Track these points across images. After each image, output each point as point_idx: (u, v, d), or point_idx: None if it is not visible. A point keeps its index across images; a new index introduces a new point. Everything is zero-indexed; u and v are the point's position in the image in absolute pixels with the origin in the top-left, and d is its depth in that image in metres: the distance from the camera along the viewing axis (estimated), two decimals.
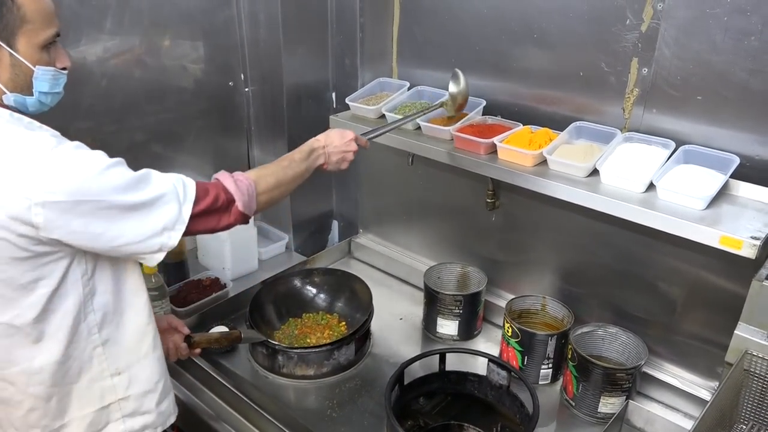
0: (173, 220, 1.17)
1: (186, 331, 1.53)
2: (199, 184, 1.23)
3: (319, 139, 1.53)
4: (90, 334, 1.22)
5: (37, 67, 1.17)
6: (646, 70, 1.50)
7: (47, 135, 1.13)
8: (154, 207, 1.15)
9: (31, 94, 1.19)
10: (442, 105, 1.78)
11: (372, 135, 1.63)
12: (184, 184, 1.21)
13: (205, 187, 1.25)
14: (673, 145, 1.48)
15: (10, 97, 1.16)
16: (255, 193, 1.31)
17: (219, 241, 2.09)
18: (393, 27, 1.98)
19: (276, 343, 1.70)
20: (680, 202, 1.37)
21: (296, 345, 1.76)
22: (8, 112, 1.15)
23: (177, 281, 2.05)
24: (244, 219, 1.31)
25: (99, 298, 1.20)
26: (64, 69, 1.22)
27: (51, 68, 1.19)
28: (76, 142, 1.14)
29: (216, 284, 2.03)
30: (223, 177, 1.30)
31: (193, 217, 1.19)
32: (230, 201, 1.27)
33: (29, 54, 1.16)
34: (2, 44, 1.13)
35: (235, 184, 1.28)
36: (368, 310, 1.79)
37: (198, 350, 1.55)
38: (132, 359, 1.28)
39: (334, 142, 1.54)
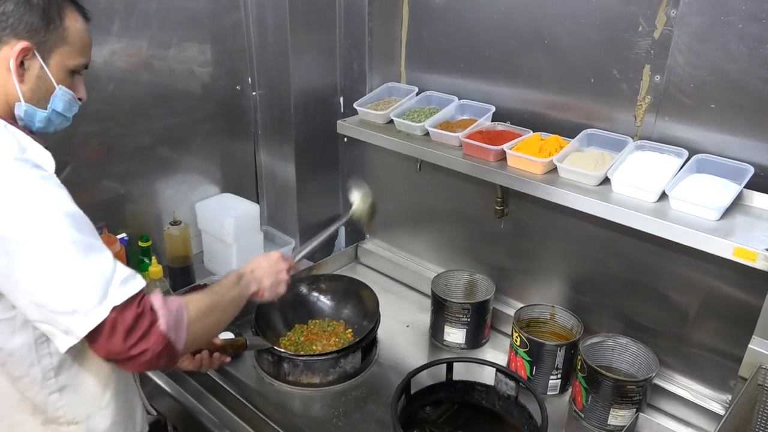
0: (91, 305, 1.04)
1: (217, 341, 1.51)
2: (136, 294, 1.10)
3: (245, 267, 1.43)
4: (45, 378, 1.16)
5: (59, 86, 1.20)
6: (659, 77, 1.48)
7: (18, 163, 1.09)
8: (82, 278, 1.05)
9: (45, 109, 1.20)
10: (351, 217, 1.79)
11: (299, 255, 1.54)
12: (126, 277, 1.08)
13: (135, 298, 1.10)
14: (686, 153, 1.46)
15: (22, 106, 1.18)
16: (186, 320, 1.13)
17: (225, 245, 2.08)
18: (402, 31, 1.97)
19: (282, 350, 1.68)
20: (693, 212, 1.35)
21: (302, 352, 1.75)
22: (3, 123, 1.15)
23: (183, 286, 2.04)
24: (164, 350, 1.08)
25: None
26: (80, 99, 1.25)
27: (71, 92, 1.23)
28: (46, 174, 1.09)
29: None
30: (152, 294, 1.14)
31: (105, 324, 1.05)
32: (152, 321, 1.08)
33: (57, 73, 1.20)
34: (37, 55, 1.16)
35: (163, 300, 1.12)
36: (375, 317, 1.77)
37: (226, 358, 1.51)
38: (92, 409, 1.22)
39: (262, 265, 1.44)
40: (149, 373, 1.71)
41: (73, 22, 1.19)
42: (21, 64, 1.15)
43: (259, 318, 1.77)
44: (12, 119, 1.18)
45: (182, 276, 2.07)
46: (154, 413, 1.51)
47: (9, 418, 1.20)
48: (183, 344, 1.12)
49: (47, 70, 1.18)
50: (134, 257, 2.00)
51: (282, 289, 1.47)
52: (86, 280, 1.05)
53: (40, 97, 1.19)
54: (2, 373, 1.15)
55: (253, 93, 2.22)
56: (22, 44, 1.14)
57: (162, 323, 1.08)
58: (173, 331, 1.09)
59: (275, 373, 1.70)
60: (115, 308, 1.05)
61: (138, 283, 1.10)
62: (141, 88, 1.95)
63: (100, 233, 1.84)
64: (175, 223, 2.02)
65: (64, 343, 1.07)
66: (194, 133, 2.14)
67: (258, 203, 2.25)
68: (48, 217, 1.05)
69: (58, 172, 1.67)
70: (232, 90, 2.18)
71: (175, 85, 2.04)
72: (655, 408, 1.61)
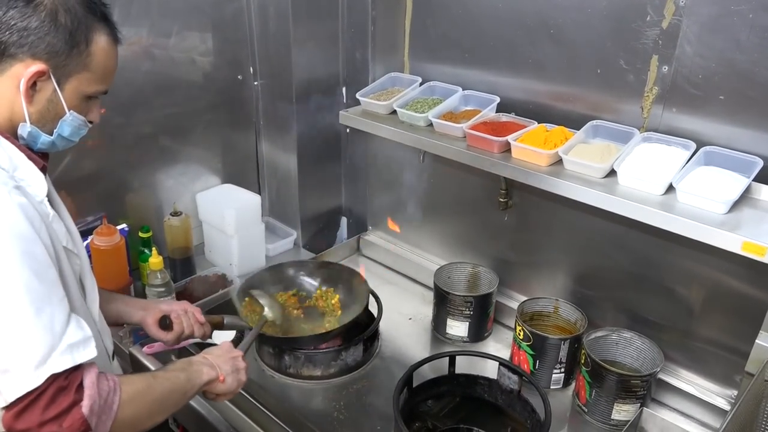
0: (27, 367, 0.96)
1: (201, 318, 1.51)
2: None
3: (197, 355, 1.33)
4: None
5: (70, 111, 1.14)
6: (667, 68, 1.45)
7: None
8: (25, 334, 0.97)
9: (50, 134, 1.15)
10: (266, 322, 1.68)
11: (245, 346, 1.43)
12: (75, 343, 1.01)
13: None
14: (693, 146, 1.44)
15: (26, 128, 1.12)
16: (116, 405, 1.05)
17: (226, 237, 2.06)
18: (405, 21, 1.94)
19: (265, 332, 1.64)
20: (701, 205, 1.33)
21: (289, 328, 1.72)
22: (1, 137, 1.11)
23: (183, 277, 2.03)
24: None
25: None
26: (90, 122, 1.20)
27: (82, 118, 1.16)
28: (23, 202, 1.02)
29: (222, 280, 2.01)
30: (87, 369, 1.04)
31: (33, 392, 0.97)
32: (74, 402, 1.00)
33: (71, 98, 1.13)
34: (52, 78, 1.09)
35: (96, 378, 1.03)
36: (365, 303, 1.75)
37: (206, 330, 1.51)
38: None
39: (214, 352, 1.33)
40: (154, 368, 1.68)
41: (100, 47, 1.12)
42: (33, 85, 1.10)
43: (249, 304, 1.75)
44: (12, 134, 1.13)
45: (183, 267, 2.05)
46: None
47: None
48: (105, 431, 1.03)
49: (60, 94, 1.11)
50: (135, 248, 1.99)
51: (243, 376, 1.35)
52: (30, 338, 0.98)
53: (48, 120, 1.12)
54: None
55: (255, 83, 2.20)
56: (38, 66, 1.06)
57: (85, 406, 1.00)
58: (95, 416, 1.01)
59: (276, 365, 1.69)
60: (53, 376, 0.97)
61: (87, 353, 1.01)
62: (141, 77, 1.93)
63: (100, 224, 1.84)
64: (175, 213, 2.00)
65: (4, 398, 0.99)
66: (195, 122, 2.12)
67: (259, 194, 2.23)
68: (5, 255, 0.97)
69: (58, 161, 1.64)
70: (234, 79, 2.16)
71: (176, 74, 2.02)
72: (660, 403, 1.60)
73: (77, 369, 1.02)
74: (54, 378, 0.99)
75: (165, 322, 1.48)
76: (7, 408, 0.99)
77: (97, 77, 1.14)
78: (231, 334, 1.69)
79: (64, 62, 1.09)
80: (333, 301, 1.86)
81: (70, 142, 1.18)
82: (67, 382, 1.01)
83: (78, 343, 1.01)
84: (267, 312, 1.69)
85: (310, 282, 1.91)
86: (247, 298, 1.75)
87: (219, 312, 1.83)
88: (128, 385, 1.09)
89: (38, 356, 0.98)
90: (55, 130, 1.14)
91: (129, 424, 1.08)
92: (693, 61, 1.41)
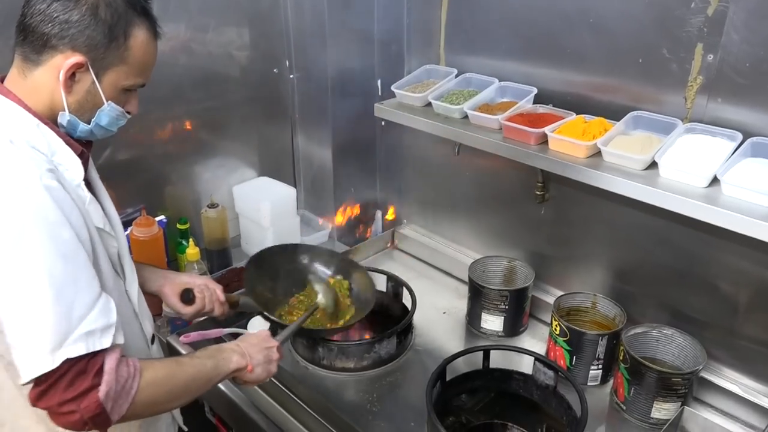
0: (43, 350, 0.99)
1: (222, 297, 1.52)
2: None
3: (230, 342, 1.33)
4: None
5: (108, 102, 1.16)
6: (712, 56, 1.40)
7: (32, 165, 1.06)
8: (43, 317, 0.99)
9: (88, 123, 1.18)
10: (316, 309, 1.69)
11: (282, 337, 1.43)
12: (93, 330, 1.03)
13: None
14: (740, 137, 1.38)
15: (66, 116, 1.15)
16: (134, 390, 1.07)
17: (261, 229, 2.08)
18: (441, 12, 1.92)
19: (273, 317, 1.63)
20: (747, 198, 1.28)
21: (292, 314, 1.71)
22: (37, 122, 1.13)
23: (220, 269, 2.06)
24: (95, 418, 1.03)
25: None
26: (129, 113, 1.22)
27: (120, 109, 1.19)
28: (54, 186, 1.05)
29: None
30: (109, 354, 1.07)
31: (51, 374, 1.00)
32: (92, 386, 1.03)
33: (109, 89, 1.15)
34: (91, 71, 1.12)
35: (116, 364, 1.06)
36: (371, 301, 1.72)
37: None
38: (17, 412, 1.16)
39: (249, 340, 1.33)
40: None
41: (139, 42, 1.14)
42: (72, 76, 1.12)
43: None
44: (53, 121, 1.16)
45: (219, 259, 2.08)
46: (185, 429, 1.50)
47: (12, 423, 1.18)
48: (121, 415, 1.06)
49: (98, 86, 1.13)
50: (173, 240, 2.02)
51: (274, 368, 1.35)
52: (46, 323, 1.00)
53: (86, 110, 1.15)
54: (8, 377, 1.13)
55: (291, 76, 2.21)
56: (77, 58, 1.09)
57: (101, 391, 1.02)
58: (111, 401, 1.03)
59: (310, 357, 1.69)
60: (68, 361, 1.00)
61: (104, 340, 1.03)
62: (180, 72, 1.96)
63: (139, 215, 1.87)
64: (212, 205, 2.03)
65: (21, 376, 1.02)
66: (232, 116, 2.14)
67: (295, 187, 2.24)
68: (28, 238, 1.00)
69: (98, 154, 1.67)
70: (270, 73, 2.17)
71: (213, 68, 2.05)
72: (702, 402, 1.55)
73: (97, 354, 1.05)
74: (72, 362, 1.02)
75: (188, 296, 1.49)
76: (33, 387, 1.03)
77: (135, 70, 1.17)
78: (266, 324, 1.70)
79: (102, 55, 1.12)
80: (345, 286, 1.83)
81: (108, 131, 1.21)
82: (87, 366, 1.04)
83: (96, 330, 1.03)
84: (320, 298, 1.70)
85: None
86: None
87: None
88: (150, 371, 1.11)
89: (53, 341, 1.01)
90: (93, 120, 1.17)
91: (146, 407, 1.11)
92: (740, 49, 1.36)
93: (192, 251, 1.78)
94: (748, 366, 1.51)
